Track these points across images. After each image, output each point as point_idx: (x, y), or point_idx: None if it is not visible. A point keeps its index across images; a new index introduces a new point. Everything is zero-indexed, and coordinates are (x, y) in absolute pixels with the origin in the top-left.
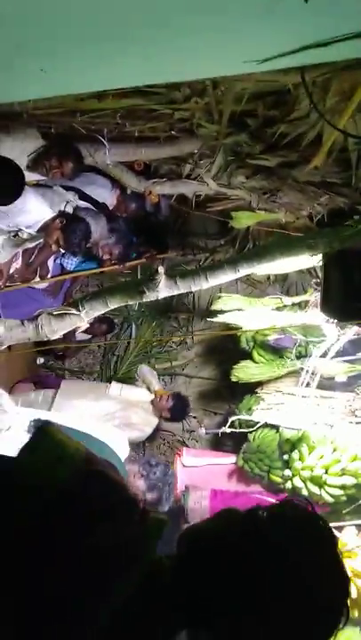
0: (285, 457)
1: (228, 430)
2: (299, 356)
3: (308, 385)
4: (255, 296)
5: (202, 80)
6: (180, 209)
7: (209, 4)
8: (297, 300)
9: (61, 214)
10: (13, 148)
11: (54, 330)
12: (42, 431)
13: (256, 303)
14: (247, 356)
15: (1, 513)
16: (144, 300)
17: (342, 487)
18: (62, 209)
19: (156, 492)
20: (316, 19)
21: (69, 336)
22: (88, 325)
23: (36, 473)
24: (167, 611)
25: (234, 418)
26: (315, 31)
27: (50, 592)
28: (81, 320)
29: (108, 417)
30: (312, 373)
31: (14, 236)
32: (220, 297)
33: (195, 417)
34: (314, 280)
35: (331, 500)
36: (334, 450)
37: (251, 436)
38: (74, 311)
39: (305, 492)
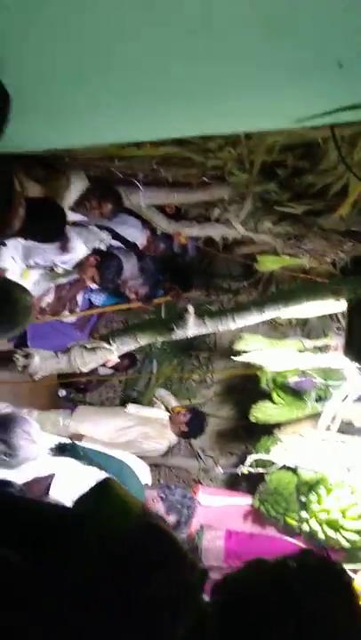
0: (303, 498)
1: (246, 470)
2: (318, 399)
3: (328, 428)
4: (276, 338)
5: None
6: (206, 250)
7: (251, 64)
8: (318, 343)
9: (96, 252)
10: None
11: (86, 362)
12: (105, 486)
13: (278, 345)
14: (266, 396)
15: (66, 564)
16: (173, 338)
17: (359, 532)
18: (96, 247)
19: (174, 515)
20: (350, 82)
21: (93, 370)
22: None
23: (101, 526)
24: None
25: (253, 457)
26: (348, 94)
27: (115, 633)
28: (111, 354)
29: (125, 430)
30: (332, 417)
31: (50, 271)
32: (242, 337)
33: (211, 456)
34: (336, 325)
35: (347, 545)
36: (352, 493)
37: (267, 478)
38: (105, 345)
39: (321, 536)
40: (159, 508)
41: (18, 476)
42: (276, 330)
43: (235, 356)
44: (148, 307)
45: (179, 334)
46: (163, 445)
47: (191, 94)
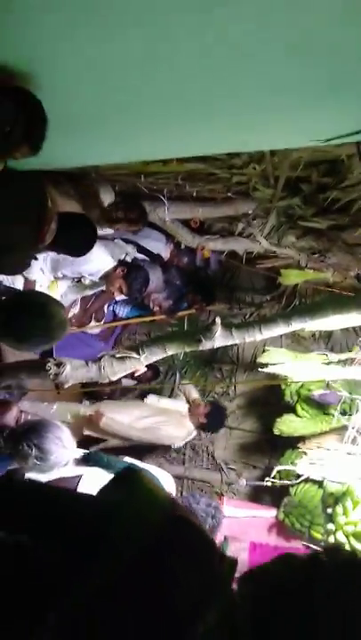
0: (329, 510)
1: (270, 483)
2: (343, 413)
3: (353, 441)
4: (300, 352)
5: None
6: (229, 264)
7: (277, 84)
8: (343, 357)
9: (122, 263)
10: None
11: (115, 372)
12: (134, 477)
13: (302, 358)
14: (290, 410)
15: (94, 553)
16: (200, 349)
17: None
18: (122, 259)
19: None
20: None
21: (116, 381)
22: (145, 369)
23: (129, 516)
24: None
25: (279, 468)
26: None
27: (143, 624)
28: (140, 364)
29: (143, 417)
30: (358, 431)
31: (77, 283)
32: (266, 350)
33: (234, 469)
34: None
35: None
36: None
37: (292, 490)
38: (135, 355)
39: (348, 548)
40: None
41: (47, 478)
42: (299, 344)
43: (259, 368)
44: (172, 319)
45: (206, 345)
46: (181, 434)
47: (219, 114)
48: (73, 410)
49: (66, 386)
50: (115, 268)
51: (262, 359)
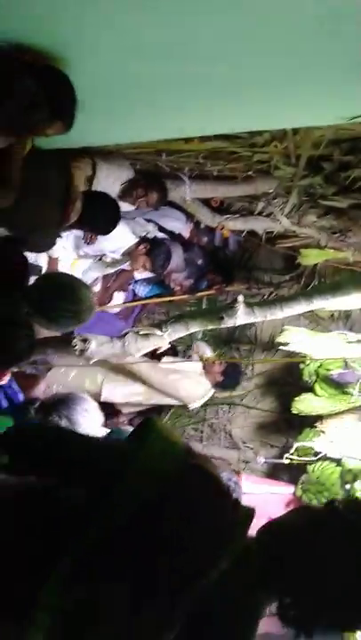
0: (347, 487)
1: (288, 460)
2: None
3: None
4: (318, 331)
5: None
6: (248, 244)
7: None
8: None
9: (144, 240)
10: (109, 175)
11: (139, 348)
12: (150, 426)
13: (321, 337)
14: (307, 390)
15: (111, 496)
16: (222, 326)
17: None
18: (143, 235)
19: None
20: None
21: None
22: (169, 346)
23: (146, 462)
24: (256, 585)
25: (297, 445)
26: None
27: (157, 563)
28: (163, 341)
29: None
30: None
31: (99, 260)
32: (285, 329)
33: (251, 447)
34: None
35: None
36: None
37: (310, 468)
38: (158, 332)
39: None
40: None
41: None
42: (318, 324)
43: (278, 348)
44: (191, 299)
45: (228, 323)
46: (199, 391)
47: (245, 92)
48: (90, 376)
49: (91, 362)
50: (137, 245)
51: (281, 338)
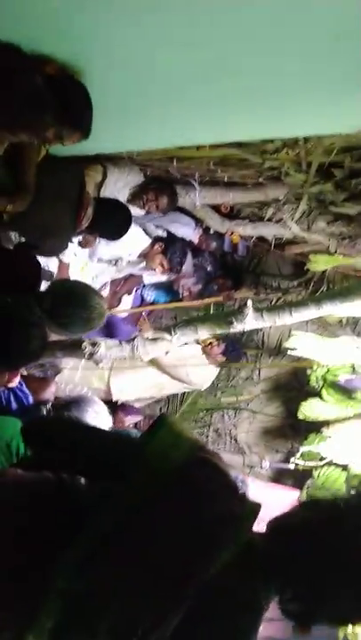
0: (353, 492)
1: (293, 466)
2: None
3: None
4: (326, 337)
5: None
6: (257, 249)
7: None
8: None
9: (158, 239)
10: (119, 180)
11: (148, 352)
12: (162, 421)
13: (329, 342)
14: (313, 395)
15: (120, 488)
16: (231, 331)
17: None
18: (156, 235)
19: None
20: None
21: None
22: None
23: (155, 454)
24: (258, 579)
25: (303, 449)
26: None
27: (162, 553)
28: (172, 345)
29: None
30: None
31: (114, 264)
32: (293, 334)
33: (256, 452)
34: None
35: None
36: None
37: (315, 473)
38: (167, 336)
39: None
40: None
41: None
42: (325, 329)
43: (285, 353)
44: (200, 305)
45: (237, 327)
46: (206, 373)
47: (258, 102)
48: (97, 373)
49: (100, 365)
50: (152, 245)
51: (289, 344)
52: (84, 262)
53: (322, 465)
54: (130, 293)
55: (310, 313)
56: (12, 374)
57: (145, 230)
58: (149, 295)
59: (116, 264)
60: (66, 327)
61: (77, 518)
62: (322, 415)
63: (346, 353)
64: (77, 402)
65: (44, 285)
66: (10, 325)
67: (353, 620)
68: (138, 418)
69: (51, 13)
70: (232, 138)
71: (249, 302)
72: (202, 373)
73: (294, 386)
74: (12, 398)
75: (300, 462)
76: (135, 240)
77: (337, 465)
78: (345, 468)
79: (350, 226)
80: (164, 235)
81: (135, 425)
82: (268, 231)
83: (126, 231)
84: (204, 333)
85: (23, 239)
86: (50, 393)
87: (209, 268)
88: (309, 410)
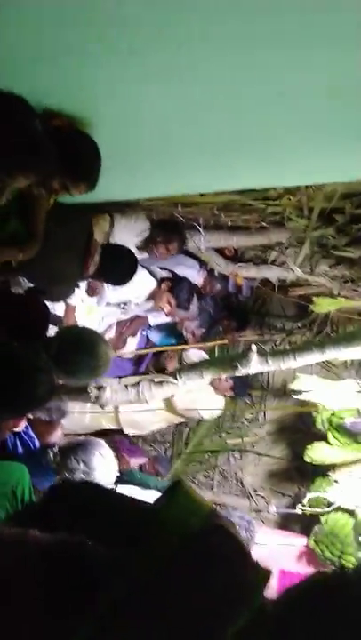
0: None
1: (300, 511)
2: None
3: None
4: (331, 380)
5: None
6: (261, 291)
7: (315, 128)
8: None
9: (165, 279)
10: (126, 227)
11: (153, 395)
12: (177, 487)
13: (333, 385)
14: (319, 438)
15: (135, 554)
16: (236, 375)
17: None
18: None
19: None
20: None
21: None
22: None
23: (171, 521)
24: None
25: (310, 495)
26: None
27: (179, 619)
28: (177, 388)
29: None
30: None
31: (123, 308)
32: (297, 377)
33: (262, 496)
34: None
35: None
36: None
37: (323, 519)
38: (172, 380)
39: None
40: None
41: None
42: (330, 371)
43: (290, 395)
44: (204, 348)
45: (242, 371)
46: (215, 403)
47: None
48: (106, 415)
49: (106, 408)
50: (160, 284)
51: (293, 386)
52: (91, 306)
53: (329, 510)
54: (135, 335)
55: (314, 357)
56: (19, 418)
57: (150, 273)
58: (154, 337)
59: (124, 307)
60: (72, 374)
61: (93, 584)
62: (328, 459)
63: (350, 397)
64: (84, 445)
65: (51, 329)
66: (17, 371)
67: None
68: (143, 460)
69: (59, 67)
70: (235, 187)
71: (253, 347)
72: (210, 403)
73: (300, 428)
74: (18, 442)
75: (307, 508)
76: (142, 283)
77: (344, 510)
78: (352, 513)
79: (353, 269)
80: (170, 276)
81: (140, 467)
82: (272, 274)
83: (132, 276)
84: (209, 377)
85: (32, 284)
86: (56, 436)
87: (212, 312)
88: (316, 453)
